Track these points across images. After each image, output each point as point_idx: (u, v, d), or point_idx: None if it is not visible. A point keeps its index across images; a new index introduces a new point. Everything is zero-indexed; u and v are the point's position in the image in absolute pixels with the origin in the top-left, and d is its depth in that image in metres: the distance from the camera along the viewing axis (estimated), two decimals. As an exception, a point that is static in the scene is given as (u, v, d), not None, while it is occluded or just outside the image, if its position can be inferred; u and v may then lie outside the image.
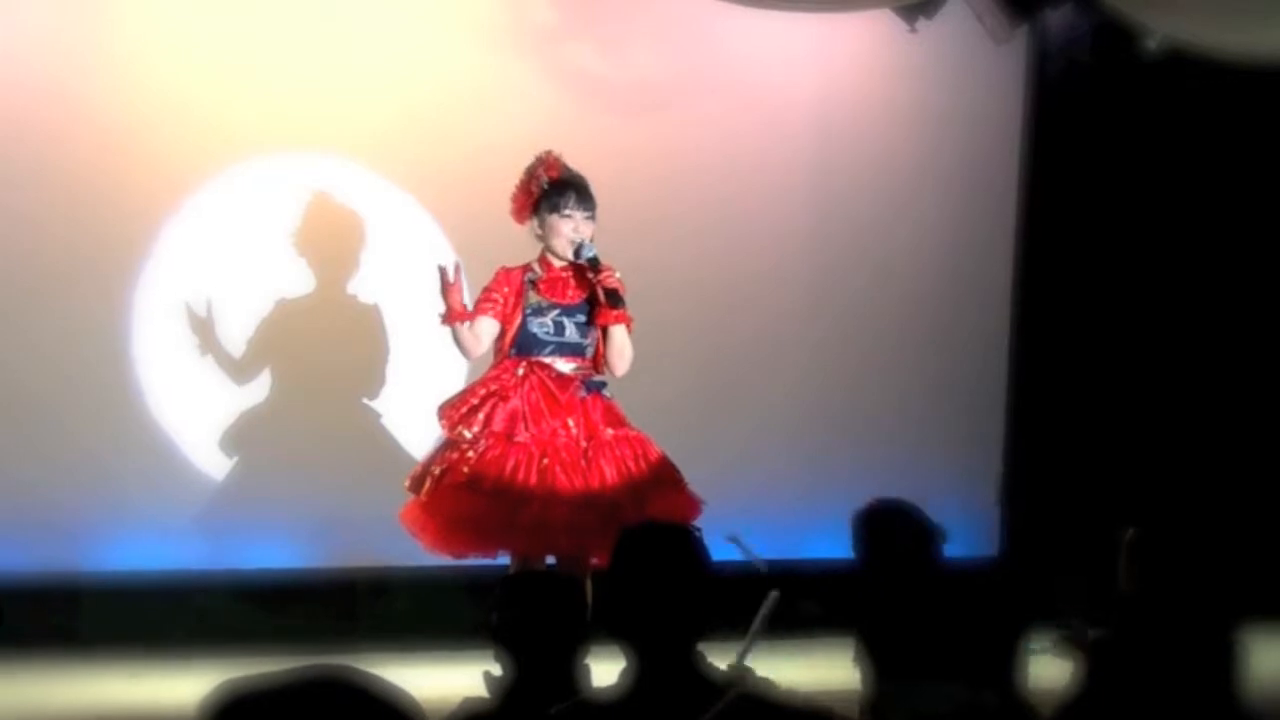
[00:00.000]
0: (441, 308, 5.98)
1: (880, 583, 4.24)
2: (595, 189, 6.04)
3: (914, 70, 8.05)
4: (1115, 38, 7.79)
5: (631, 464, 5.92)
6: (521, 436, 5.86)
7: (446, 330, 6.04)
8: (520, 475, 5.78)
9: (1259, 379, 8.28)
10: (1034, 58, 8.17)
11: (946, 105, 8.08)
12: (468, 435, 5.87)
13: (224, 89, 7.22)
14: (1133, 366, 8.21)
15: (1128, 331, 8.21)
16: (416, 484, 5.95)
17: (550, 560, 5.86)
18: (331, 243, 7.31)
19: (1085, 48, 8.10)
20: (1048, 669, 3.66)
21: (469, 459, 5.83)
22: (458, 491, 5.82)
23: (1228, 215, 8.20)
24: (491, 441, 5.85)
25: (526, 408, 5.88)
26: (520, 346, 5.95)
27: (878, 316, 8.07)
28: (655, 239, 7.52)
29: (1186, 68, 7.66)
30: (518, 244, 6.07)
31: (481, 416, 5.88)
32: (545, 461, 5.82)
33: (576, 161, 6.09)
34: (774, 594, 5.10)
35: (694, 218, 7.74)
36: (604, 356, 6.02)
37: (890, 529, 4.35)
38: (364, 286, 7.34)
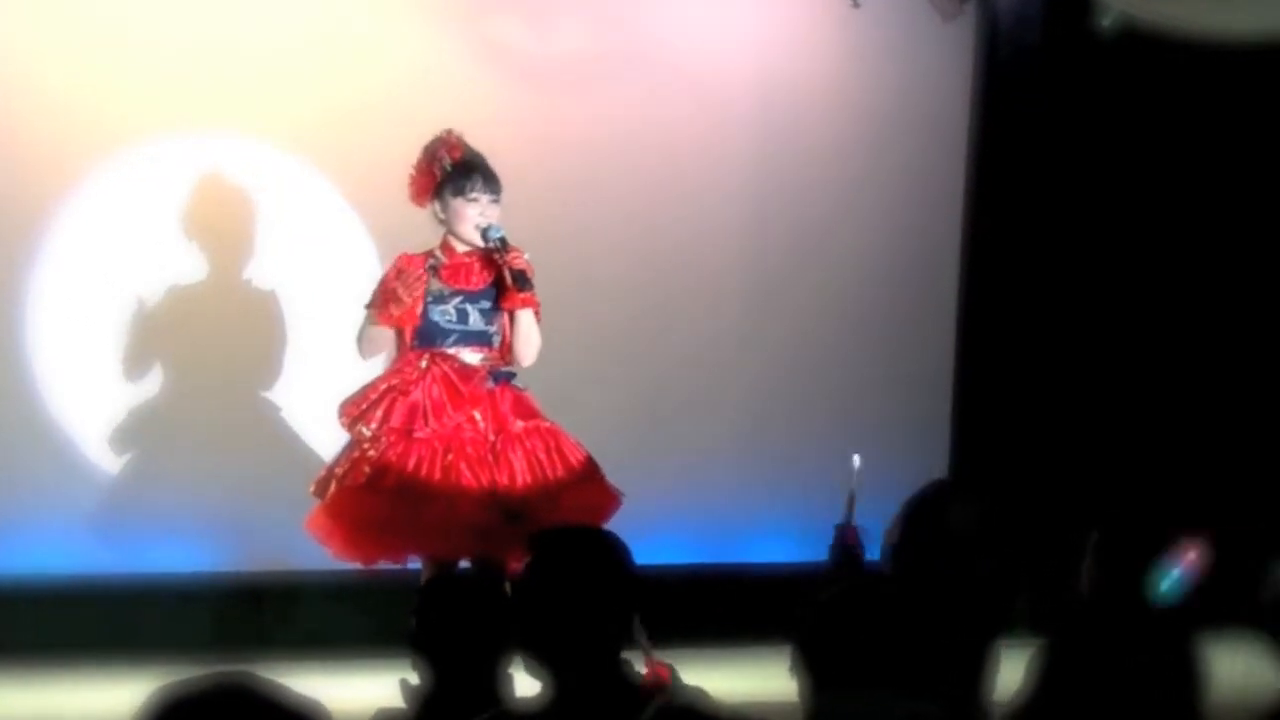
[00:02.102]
0: (373, 299, 5.94)
1: (925, 562, 4.15)
2: (519, 173, 6.03)
3: (856, 48, 8.06)
4: (1068, 14, 7.82)
5: (543, 457, 5.89)
6: (421, 432, 5.83)
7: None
8: (423, 472, 5.76)
9: (1224, 372, 8.33)
10: (983, 35, 8.19)
11: (890, 85, 8.09)
12: (366, 433, 5.85)
13: (114, 66, 7.14)
14: (1088, 363, 8.24)
15: (1083, 326, 8.24)
16: (321, 488, 5.94)
17: (464, 564, 5.84)
18: (236, 227, 7.25)
19: (1036, 25, 8.12)
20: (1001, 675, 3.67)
21: (369, 458, 5.82)
22: (359, 493, 5.80)
23: (1185, 202, 8.25)
24: (392, 439, 5.82)
25: (428, 402, 5.85)
26: (423, 337, 5.93)
27: (819, 311, 8.06)
28: (583, 227, 7.51)
29: (1143, 47, 7.71)
30: (433, 224, 6.05)
31: (380, 413, 5.86)
32: (449, 458, 5.80)
33: (498, 144, 6.07)
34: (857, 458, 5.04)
35: (625, 205, 7.72)
36: (510, 344, 6.00)
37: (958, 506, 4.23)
38: (271, 273, 7.29)
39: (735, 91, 7.92)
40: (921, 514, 4.15)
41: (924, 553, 4.05)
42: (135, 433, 7.20)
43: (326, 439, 6.88)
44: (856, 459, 5.09)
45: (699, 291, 7.87)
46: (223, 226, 7.24)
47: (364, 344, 6.03)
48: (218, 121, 7.25)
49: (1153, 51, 7.76)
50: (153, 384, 7.20)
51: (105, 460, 7.20)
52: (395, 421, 5.84)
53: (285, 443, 7.19)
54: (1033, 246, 8.21)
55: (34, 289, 7.13)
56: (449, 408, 5.85)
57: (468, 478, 5.78)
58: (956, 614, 3.61)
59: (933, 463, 8.16)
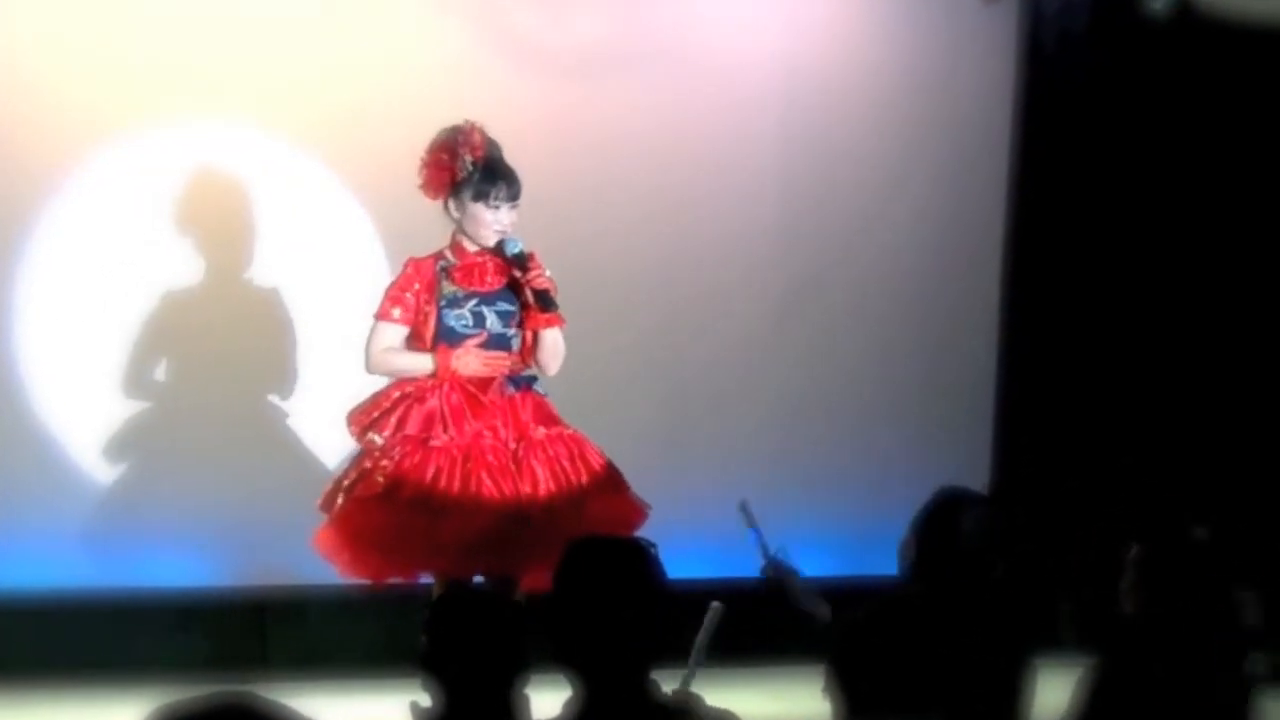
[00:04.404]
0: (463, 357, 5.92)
1: (932, 574, 4.19)
2: (534, 171, 6.02)
3: (890, 33, 8.04)
4: (1117, -3, 7.83)
5: (567, 466, 5.89)
6: (439, 440, 5.82)
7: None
8: (441, 483, 5.75)
9: (1276, 378, 8.31)
10: (1026, 18, 8.18)
11: (928, 73, 8.08)
12: (378, 441, 5.84)
13: (112, 56, 7.14)
14: (1136, 367, 8.23)
15: (1130, 328, 8.23)
16: (328, 503, 5.92)
17: (477, 579, 5.83)
18: (237, 226, 7.24)
19: (1083, 7, 8.11)
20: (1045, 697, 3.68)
21: (383, 467, 5.80)
22: (370, 505, 5.79)
23: (1240, 199, 8.22)
24: (408, 448, 5.82)
25: (446, 408, 5.84)
26: (436, 344, 5.92)
27: (852, 312, 8.06)
28: (602, 227, 7.51)
29: (1196, 31, 7.69)
30: (443, 221, 6.04)
31: (393, 420, 5.85)
32: (468, 466, 5.79)
33: (513, 140, 6.04)
34: (716, 605, 5.11)
35: (646, 204, 7.70)
36: (535, 358, 6.01)
37: (968, 515, 4.28)
38: (274, 274, 7.28)
39: (762, 83, 7.91)
40: (933, 526, 4.19)
41: (941, 564, 4.09)
42: (130, 440, 7.20)
43: (332, 446, 6.89)
44: (716, 605, 5.19)
45: (724, 293, 7.86)
46: (223, 225, 7.23)
47: (377, 361, 5.99)
48: (217, 115, 7.24)
49: (1206, 36, 7.74)
50: (149, 389, 7.20)
51: (99, 469, 7.20)
52: (411, 429, 5.83)
53: (289, 450, 7.19)
54: (1079, 243, 8.19)
55: (26, 289, 7.14)
56: (469, 416, 5.85)
57: (488, 488, 5.77)
58: (990, 631, 3.62)
59: (973, 470, 8.15)
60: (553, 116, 7.41)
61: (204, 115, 7.22)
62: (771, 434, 7.94)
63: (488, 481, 5.78)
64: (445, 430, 5.83)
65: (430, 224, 6.05)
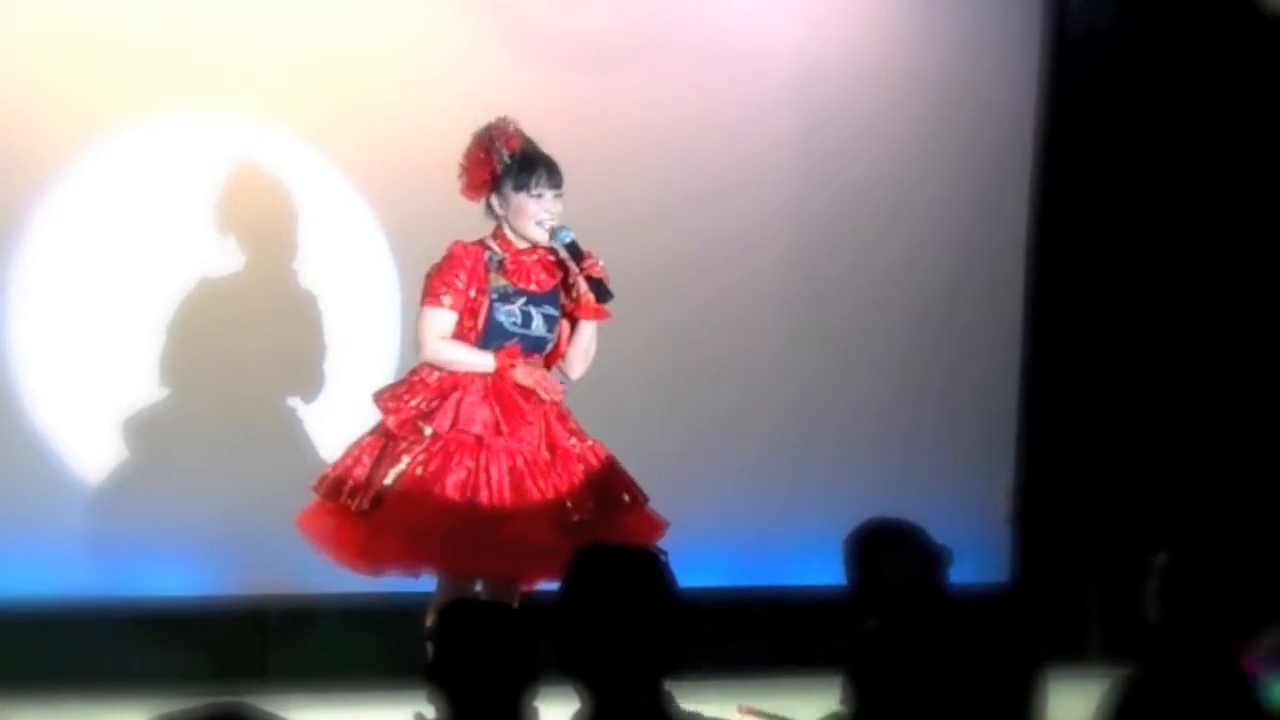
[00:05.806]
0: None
1: (872, 612, 4.28)
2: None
3: (911, 24, 8.04)
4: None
5: (599, 479, 5.94)
6: (491, 440, 5.84)
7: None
8: (496, 487, 5.78)
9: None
10: (1051, 6, 8.18)
11: (949, 64, 8.07)
12: (428, 431, 5.83)
13: (109, 46, 7.14)
14: (1161, 372, 8.22)
15: (1156, 334, 8.21)
16: (333, 490, 5.91)
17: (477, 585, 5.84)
18: (235, 222, 7.24)
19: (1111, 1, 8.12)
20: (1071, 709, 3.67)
21: (424, 461, 5.81)
22: (417, 502, 5.78)
23: (1269, 192, 8.21)
24: (455, 444, 5.83)
25: (499, 408, 5.86)
26: (486, 337, 5.94)
27: (870, 313, 8.06)
28: (610, 225, 7.45)
29: (1225, 20, 7.68)
30: (451, 211, 6.05)
31: (448, 412, 5.85)
32: (517, 472, 5.83)
33: (525, 129, 6.09)
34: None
35: (656, 201, 7.69)
36: (565, 355, 6.03)
37: (886, 552, 4.38)
38: (274, 271, 7.28)
39: (779, 75, 7.91)
40: (860, 568, 4.27)
41: (874, 605, 4.17)
42: (124, 443, 7.20)
43: (333, 449, 6.88)
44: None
45: (738, 291, 7.86)
46: (221, 221, 7.23)
47: (435, 349, 5.95)
48: (215, 109, 7.24)
49: (1235, 25, 7.73)
50: (144, 391, 7.20)
51: (92, 473, 7.20)
52: (468, 424, 5.84)
53: (287, 455, 7.16)
54: (1105, 239, 8.18)
55: (17, 288, 7.14)
56: (517, 418, 5.87)
57: (536, 495, 5.83)
58: (1003, 643, 3.62)
59: (996, 477, 8.16)
60: (564, 109, 7.39)
61: (206, 110, 7.22)
62: (787, 439, 7.94)
63: (534, 489, 5.82)
64: (500, 431, 5.85)
65: (434, 223, 6.05)
